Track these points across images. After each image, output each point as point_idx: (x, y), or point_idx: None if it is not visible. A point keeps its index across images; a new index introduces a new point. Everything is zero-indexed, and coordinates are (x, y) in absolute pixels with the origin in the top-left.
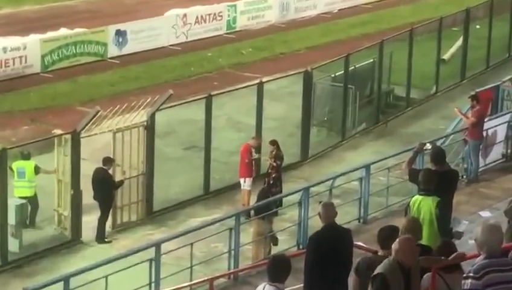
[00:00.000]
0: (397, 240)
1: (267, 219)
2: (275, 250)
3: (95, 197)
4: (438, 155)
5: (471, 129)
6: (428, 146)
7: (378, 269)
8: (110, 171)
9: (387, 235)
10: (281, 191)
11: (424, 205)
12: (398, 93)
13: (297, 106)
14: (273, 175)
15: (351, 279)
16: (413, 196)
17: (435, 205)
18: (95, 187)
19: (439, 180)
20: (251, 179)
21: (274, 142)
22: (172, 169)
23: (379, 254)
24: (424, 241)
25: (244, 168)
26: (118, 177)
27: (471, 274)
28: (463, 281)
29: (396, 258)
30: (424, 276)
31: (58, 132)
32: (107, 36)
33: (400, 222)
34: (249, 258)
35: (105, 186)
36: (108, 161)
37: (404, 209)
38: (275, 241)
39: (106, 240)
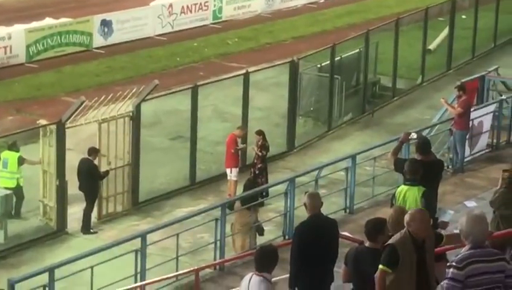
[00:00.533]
0: (409, 212)
1: (253, 209)
2: (260, 240)
3: (80, 188)
4: (423, 145)
5: (457, 119)
6: (414, 136)
7: (390, 241)
8: (96, 162)
9: (374, 228)
10: (266, 182)
11: (409, 195)
12: (384, 83)
13: (283, 96)
14: (259, 165)
15: (341, 270)
16: (398, 186)
17: (421, 195)
18: (80, 178)
19: (425, 170)
20: (237, 169)
21: (260, 133)
22: (158, 159)
23: (366, 245)
24: None
25: (230, 159)
26: (103, 168)
27: (454, 264)
28: (446, 270)
29: (408, 230)
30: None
31: (43, 122)
32: (93, 26)
33: (386, 212)
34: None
35: (91, 177)
36: (93, 151)
37: (390, 199)
38: (261, 231)
39: (92, 230)
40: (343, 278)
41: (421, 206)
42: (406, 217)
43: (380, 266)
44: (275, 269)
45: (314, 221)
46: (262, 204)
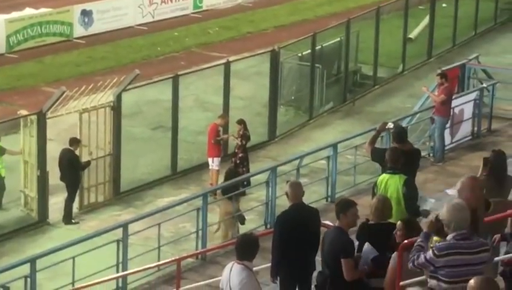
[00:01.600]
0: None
1: (235, 198)
2: (242, 229)
3: (61, 179)
4: (400, 134)
5: (438, 106)
6: (391, 125)
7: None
8: (77, 152)
9: (337, 207)
10: (248, 171)
11: (391, 184)
12: (365, 72)
13: (264, 85)
14: (240, 155)
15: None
16: (380, 175)
17: (402, 183)
18: (61, 169)
19: (406, 157)
20: (219, 158)
21: (241, 122)
22: (139, 149)
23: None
24: (392, 219)
25: (212, 148)
26: (84, 158)
27: (434, 248)
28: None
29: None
30: (393, 255)
31: (24, 112)
32: (73, 16)
33: (368, 201)
34: (216, 238)
35: (72, 168)
36: (74, 142)
37: (372, 188)
38: (242, 220)
39: (73, 221)
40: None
41: (402, 195)
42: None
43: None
44: (256, 258)
45: (295, 210)
46: (243, 193)
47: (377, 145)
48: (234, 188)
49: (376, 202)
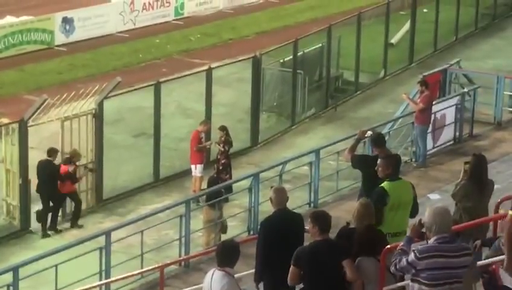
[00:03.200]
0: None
1: (217, 206)
2: (225, 236)
3: (38, 190)
4: (379, 139)
5: (418, 114)
6: (369, 133)
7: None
8: (56, 162)
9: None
10: (230, 178)
11: (404, 190)
12: (347, 77)
13: (246, 91)
14: (223, 161)
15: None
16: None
17: (411, 187)
18: (39, 180)
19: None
20: (202, 165)
21: (223, 128)
22: (121, 157)
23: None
24: (405, 225)
25: (195, 155)
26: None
27: (415, 251)
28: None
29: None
30: (359, 259)
31: (5, 120)
32: (54, 24)
33: (351, 206)
34: (199, 245)
35: (52, 179)
36: (53, 152)
37: (378, 196)
38: (224, 229)
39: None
40: (292, 281)
41: (412, 199)
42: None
43: None
44: (239, 264)
45: (279, 216)
46: (226, 200)
47: (360, 151)
48: (216, 195)
49: (359, 206)
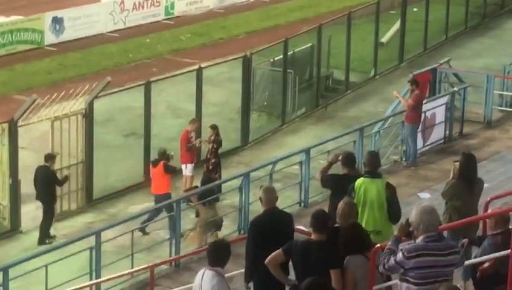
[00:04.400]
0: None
1: (208, 205)
2: (216, 235)
3: (38, 197)
4: (347, 160)
5: (408, 113)
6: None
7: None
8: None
9: (324, 220)
10: (220, 177)
11: (371, 188)
12: (337, 77)
13: (237, 91)
14: (213, 160)
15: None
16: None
17: (384, 187)
18: (37, 186)
19: (350, 183)
20: (192, 164)
21: (214, 127)
22: (111, 156)
23: (313, 238)
24: (374, 225)
25: (185, 155)
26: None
27: (403, 250)
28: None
29: None
30: (348, 257)
31: None
32: (44, 23)
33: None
34: (190, 245)
35: (49, 185)
36: (50, 158)
37: (348, 192)
38: (218, 227)
39: (47, 241)
40: (272, 262)
41: (385, 199)
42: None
43: None
44: (229, 264)
45: (269, 215)
46: (217, 199)
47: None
48: (210, 194)
49: (343, 205)
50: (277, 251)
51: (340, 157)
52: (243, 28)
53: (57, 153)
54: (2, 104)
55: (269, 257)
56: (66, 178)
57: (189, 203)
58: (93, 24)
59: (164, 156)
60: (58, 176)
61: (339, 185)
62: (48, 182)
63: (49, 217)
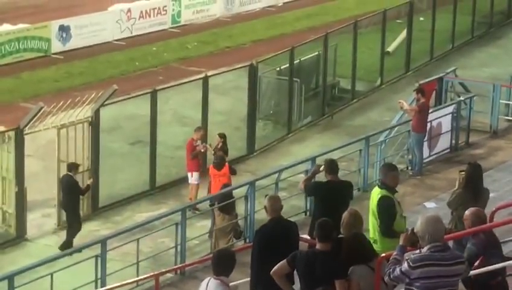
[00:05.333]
0: None
1: (226, 212)
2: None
3: (63, 206)
4: (330, 167)
5: (413, 122)
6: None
7: None
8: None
9: (328, 230)
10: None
11: (374, 197)
12: (344, 85)
13: (243, 99)
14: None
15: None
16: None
17: (377, 199)
18: (63, 195)
19: (335, 189)
20: (198, 173)
21: (222, 135)
22: (117, 164)
23: (318, 248)
24: (372, 233)
25: (191, 163)
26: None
27: (408, 260)
28: (404, 263)
29: None
30: (352, 267)
31: (2, 128)
32: (51, 32)
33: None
34: (196, 253)
35: (72, 194)
36: (73, 167)
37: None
38: (238, 234)
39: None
40: (277, 273)
41: (376, 210)
42: None
43: None
44: (234, 273)
45: (274, 224)
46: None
47: None
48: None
49: (348, 216)
50: (282, 261)
51: (322, 167)
52: (249, 36)
53: (62, 161)
54: (8, 111)
55: (274, 268)
56: (88, 187)
57: (195, 211)
58: (100, 32)
59: (224, 160)
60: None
61: (322, 191)
62: (70, 191)
63: (73, 226)
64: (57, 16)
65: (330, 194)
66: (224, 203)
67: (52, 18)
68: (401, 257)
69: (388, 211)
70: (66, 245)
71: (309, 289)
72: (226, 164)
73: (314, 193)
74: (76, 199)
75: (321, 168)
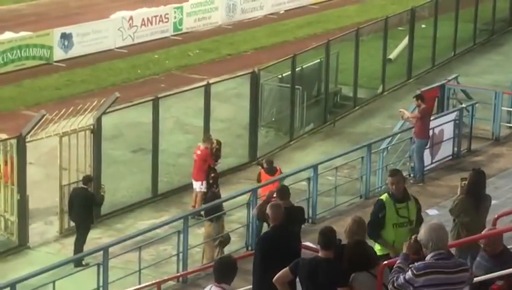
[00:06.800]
0: None
1: (215, 220)
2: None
3: (74, 218)
4: (281, 192)
5: (416, 129)
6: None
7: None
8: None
9: (332, 238)
10: (219, 191)
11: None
12: (345, 93)
13: (245, 107)
14: (212, 175)
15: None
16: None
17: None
18: (74, 208)
19: (287, 215)
20: (206, 181)
21: (218, 143)
22: (120, 172)
23: (321, 255)
24: None
25: (202, 171)
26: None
27: (412, 268)
28: (408, 271)
29: None
30: (353, 275)
31: (4, 136)
32: (53, 39)
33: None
34: (197, 261)
35: (88, 207)
36: (88, 180)
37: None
38: (226, 243)
39: (83, 263)
40: (279, 280)
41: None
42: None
43: None
44: (236, 280)
45: (276, 232)
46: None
47: None
48: (215, 210)
49: (352, 223)
50: (284, 269)
51: (274, 195)
52: (251, 44)
53: (64, 168)
54: (10, 119)
55: (276, 276)
56: (103, 197)
57: (199, 217)
58: (102, 40)
59: (273, 164)
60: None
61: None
62: (86, 204)
63: (82, 239)
64: (59, 23)
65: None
66: (218, 213)
67: (54, 26)
68: (404, 265)
69: (374, 212)
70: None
71: None
72: (278, 168)
73: (265, 220)
74: (91, 212)
75: (274, 195)
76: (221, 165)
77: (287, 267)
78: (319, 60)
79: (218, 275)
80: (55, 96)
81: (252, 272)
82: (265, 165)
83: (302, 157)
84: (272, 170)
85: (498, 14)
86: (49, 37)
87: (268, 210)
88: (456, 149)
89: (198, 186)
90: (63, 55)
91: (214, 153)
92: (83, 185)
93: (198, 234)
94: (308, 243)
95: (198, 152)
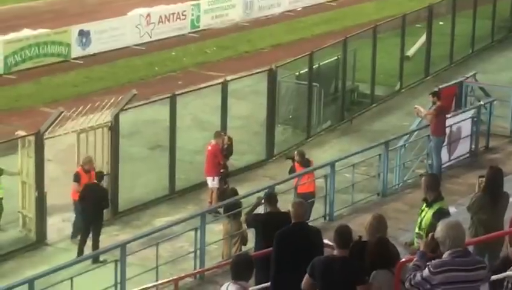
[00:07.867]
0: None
1: (232, 218)
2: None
3: (86, 214)
4: (270, 198)
5: (432, 126)
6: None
7: None
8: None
9: (347, 236)
10: (228, 187)
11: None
12: (363, 90)
13: (262, 104)
14: (221, 171)
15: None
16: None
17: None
18: (88, 204)
19: (274, 221)
20: (219, 177)
21: (230, 139)
22: (137, 169)
23: (335, 253)
24: None
25: (214, 167)
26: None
27: (429, 266)
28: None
29: None
30: (374, 272)
31: (22, 133)
32: (70, 37)
33: (366, 219)
34: (214, 258)
35: (101, 204)
36: (102, 176)
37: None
38: (244, 241)
39: (101, 260)
40: (307, 288)
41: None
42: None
43: None
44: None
45: (295, 229)
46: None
47: None
48: (233, 207)
49: (372, 220)
50: (305, 276)
51: (263, 200)
52: (268, 41)
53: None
54: (28, 116)
55: (302, 286)
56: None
57: (217, 214)
58: (120, 37)
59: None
60: None
61: (262, 223)
62: (101, 201)
63: (97, 239)
64: (77, 21)
65: (270, 225)
66: (236, 210)
67: (72, 23)
68: (422, 263)
69: None
70: (95, 256)
71: None
72: (311, 160)
73: (255, 225)
74: (102, 207)
75: (262, 200)
76: (238, 162)
77: (306, 274)
78: (336, 57)
79: (236, 272)
80: (73, 94)
81: (270, 268)
82: (297, 158)
83: (319, 155)
84: (306, 162)
85: None
86: (66, 34)
87: (291, 208)
88: (473, 147)
89: (210, 182)
90: (81, 52)
91: (226, 149)
92: (98, 182)
93: (215, 231)
94: (326, 241)
95: (209, 148)
